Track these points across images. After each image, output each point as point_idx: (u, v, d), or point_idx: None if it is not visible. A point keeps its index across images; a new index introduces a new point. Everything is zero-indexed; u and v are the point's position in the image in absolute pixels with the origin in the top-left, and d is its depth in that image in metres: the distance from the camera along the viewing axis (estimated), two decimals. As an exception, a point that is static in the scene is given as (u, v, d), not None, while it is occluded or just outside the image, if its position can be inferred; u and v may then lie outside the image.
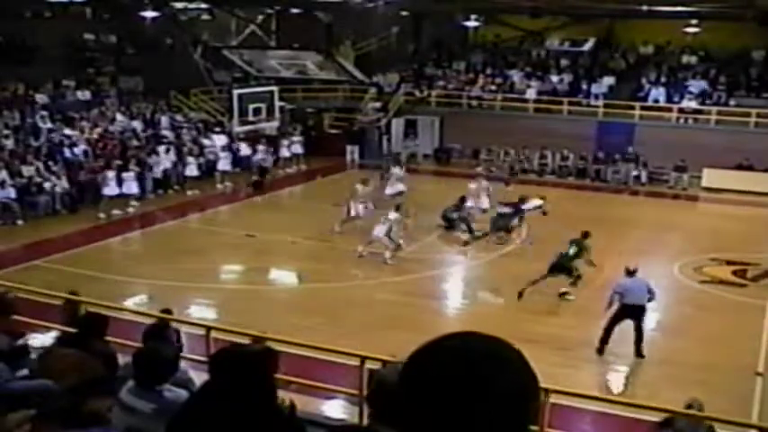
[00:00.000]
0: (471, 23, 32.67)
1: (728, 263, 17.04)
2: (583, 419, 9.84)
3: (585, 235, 14.88)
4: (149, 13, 27.60)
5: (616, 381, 11.68)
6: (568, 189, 25.19)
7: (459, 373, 1.25)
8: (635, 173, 26.23)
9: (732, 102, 27.35)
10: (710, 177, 25.27)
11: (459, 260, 17.70)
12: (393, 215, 16.87)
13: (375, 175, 22.99)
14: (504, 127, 27.83)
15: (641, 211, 22.34)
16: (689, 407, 7.70)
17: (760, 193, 23.81)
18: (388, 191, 21.18)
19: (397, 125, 30.26)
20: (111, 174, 20.47)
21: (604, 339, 12.00)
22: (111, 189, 20.32)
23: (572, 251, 14.53)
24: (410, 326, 12.69)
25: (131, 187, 20.84)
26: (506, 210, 18.73)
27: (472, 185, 20.35)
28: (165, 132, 25.67)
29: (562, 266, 14.36)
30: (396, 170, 22.38)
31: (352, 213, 18.83)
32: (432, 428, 1.25)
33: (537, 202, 18.74)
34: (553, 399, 7.62)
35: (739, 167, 25.17)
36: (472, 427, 1.23)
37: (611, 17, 29.89)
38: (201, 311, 13.60)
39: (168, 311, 9.82)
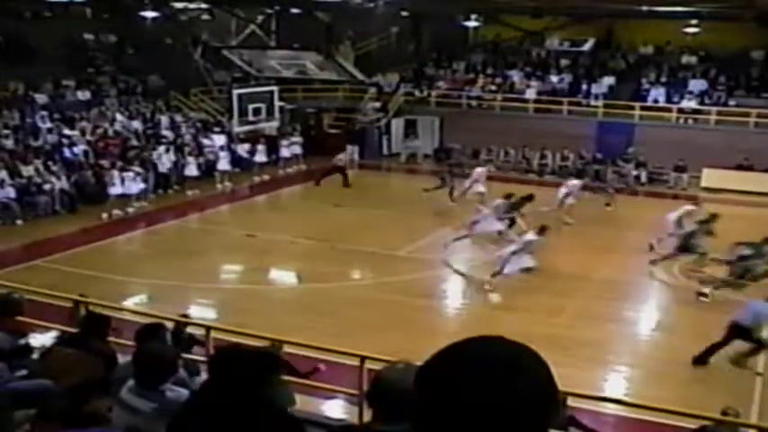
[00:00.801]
0: (471, 23, 32.66)
1: (728, 263, 17.01)
2: (583, 419, 9.83)
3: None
4: (149, 13, 27.60)
5: (617, 380, 11.68)
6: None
7: (473, 376, 1.25)
8: (635, 173, 26.23)
9: (732, 102, 27.36)
10: (710, 177, 25.27)
11: (458, 260, 17.67)
12: (531, 236, 14.85)
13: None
14: (505, 127, 27.83)
15: (641, 211, 22.33)
16: (725, 413, 7.68)
17: (760, 193, 23.82)
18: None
19: (397, 125, 30.26)
20: (116, 173, 20.55)
21: (711, 351, 11.53)
22: (116, 188, 20.39)
23: (747, 252, 14.56)
24: (410, 326, 12.72)
25: (131, 187, 20.86)
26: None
27: (563, 189, 20.17)
28: (165, 132, 25.69)
29: (746, 269, 14.42)
30: (480, 170, 21.81)
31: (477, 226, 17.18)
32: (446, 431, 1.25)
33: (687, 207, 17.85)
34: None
35: (739, 167, 25.18)
36: (487, 431, 1.23)
37: (611, 17, 29.89)
38: (201, 311, 13.60)
39: (185, 317, 9.87)
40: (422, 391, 1.29)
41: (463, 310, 14.62)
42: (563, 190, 20.22)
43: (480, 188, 20.76)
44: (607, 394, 10.60)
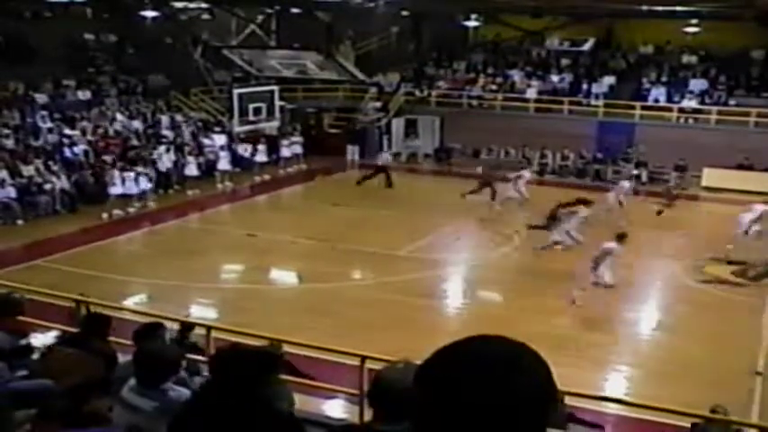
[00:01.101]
0: (471, 23, 32.67)
1: (728, 263, 17.04)
2: (584, 418, 9.83)
3: None
4: (149, 13, 27.61)
5: (618, 380, 11.68)
6: (569, 189, 25.14)
7: (473, 375, 1.25)
8: (635, 172, 26.23)
9: (732, 101, 27.37)
10: (710, 177, 25.28)
11: (459, 260, 17.69)
12: (611, 245, 13.86)
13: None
14: (505, 127, 27.84)
15: (642, 211, 22.31)
16: (713, 412, 7.69)
17: (760, 192, 23.79)
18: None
19: (398, 125, 30.27)
20: (116, 173, 20.56)
21: None
22: (116, 188, 20.40)
23: None
24: (411, 325, 12.72)
25: (132, 187, 20.86)
26: None
27: (611, 194, 20.32)
28: (166, 132, 25.69)
29: None
30: (526, 173, 21.63)
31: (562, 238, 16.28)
32: (446, 430, 1.25)
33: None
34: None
35: (740, 167, 25.18)
36: (487, 429, 1.23)
37: (611, 17, 29.88)
38: (202, 311, 13.61)
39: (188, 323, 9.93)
40: (422, 390, 1.29)
41: (463, 310, 14.62)
42: (613, 194, 20.37)
43: (518, 193, 20.76)
44: (608, 394, 10.60)
